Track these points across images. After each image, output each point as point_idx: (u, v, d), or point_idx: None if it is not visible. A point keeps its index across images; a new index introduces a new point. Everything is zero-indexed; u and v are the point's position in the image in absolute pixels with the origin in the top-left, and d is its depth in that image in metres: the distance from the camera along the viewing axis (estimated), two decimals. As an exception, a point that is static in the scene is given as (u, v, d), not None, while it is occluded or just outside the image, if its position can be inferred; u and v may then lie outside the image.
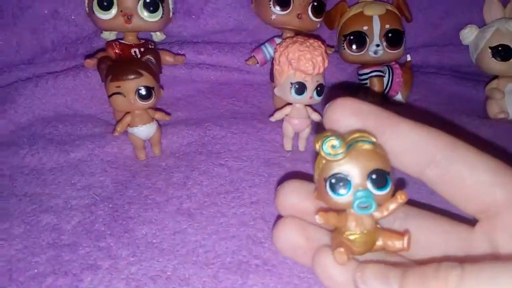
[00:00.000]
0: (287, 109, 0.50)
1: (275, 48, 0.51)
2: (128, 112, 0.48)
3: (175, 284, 0.34)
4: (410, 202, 0.25)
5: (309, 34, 0.58)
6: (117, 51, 0.55)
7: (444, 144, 0.24)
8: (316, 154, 0.24)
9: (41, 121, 0.55)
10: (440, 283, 0.20)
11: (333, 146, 0.23)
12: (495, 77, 0.68)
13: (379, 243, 0.25)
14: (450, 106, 0.65)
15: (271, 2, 0.59)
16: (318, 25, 0.62)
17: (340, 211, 0.25)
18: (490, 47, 0.67)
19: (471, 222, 0.25)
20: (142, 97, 0.46)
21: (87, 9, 0.56)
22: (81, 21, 0.62)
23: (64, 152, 0.49)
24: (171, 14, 0.58)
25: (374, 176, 0.23)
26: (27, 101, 0.55)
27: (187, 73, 0.63)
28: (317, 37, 0.53)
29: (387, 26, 0.62)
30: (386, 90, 0.64)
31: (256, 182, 0.46)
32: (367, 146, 0.23)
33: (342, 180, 0.23)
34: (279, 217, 0.29)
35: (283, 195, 0.28)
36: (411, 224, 0.26)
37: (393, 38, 0.62)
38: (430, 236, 0.26)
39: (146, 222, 0.40)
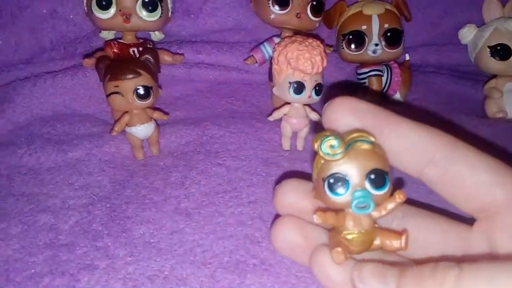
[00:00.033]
0: (285, 109, 0.50)
1: (274, 48, 0.51)
2: (126, 112, 0.48)
3: (173, 284, 0.34)
4: (409, 201, 0.25)
5: (308, 34, 0.58)
6: (115, 50, 0.55)
7: (444, 144, 0.24)
8: (315, 153, 0.24)
9: (39, 120, 0.55)
10: (437, 282, 0.20)
11: (331, 146, 0.23)
12: (494, 76, 0.68)
13: (377, 242, 0.25)
14: (448, 106, 0.65)
15: (270, 2, 0.59)
16: (317, 25, 0.62)
17: (338, 210, 0.24)
18: (488, 46, 0.67)
19: (468, 221, 0.25)
20: (140, 97, 0.46)
21: (85, 8, 0.56)
22: (80, 20, 0.62)
23: (62, 152, 0.49)
24: (170, 13, 0.58)
25: (372, 176, 0.23)
26: (25, 100, 0.55)
27: (185, 72, 0.63)
28: (316, 37, 0.52)
29: (386, 26, 0.62)
30: (385, 90, 0.64)
31: (254, 182, 0.46)
32: (365, 146, 0.23)
33: (340, 180, 0.23)
34: (277, 216, 0.29)
35: (281, 194, 0.28)
36: (409, 223, 0.26)
37: (392, 38, 0.62)
38: (428, 236, 0.26)
39: (144, 221, 0.40)
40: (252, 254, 0.37)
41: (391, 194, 0.24)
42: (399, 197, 0.24)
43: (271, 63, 0.55)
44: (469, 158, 0.24)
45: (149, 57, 0.48)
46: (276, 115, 0.51)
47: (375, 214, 0.24)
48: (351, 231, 0.24)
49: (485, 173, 0.23)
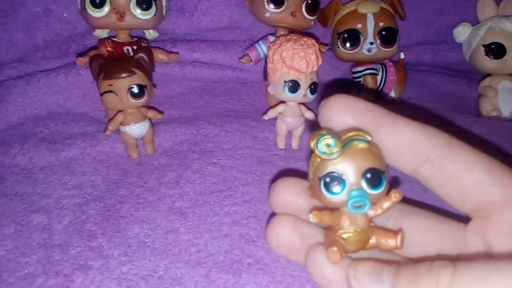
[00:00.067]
0: (280, 107, 0.50)
1: (268, 46, 0.51)
2: (120, 111, 0.48)
3: (167, 283, 0.34)
4: (404, 200, 0.25)
5: (303, 32, 0.58)
6: (109, 49, 0.55)
7: (440, 142, 0.24)
8: (311, 152, 0.24)
9: (33, 119, 0.54)
10: (432, 281, 0.20)
11: (328, 145, 0.23)
12: (488, 75, 0.68)
13: (373, 241, 0.25)
14: (443, 104, 0.65)
15: (265, 0, 0.58)
16: (312, 23, 0.62)
17: (334, 209, 0.24)
18: (483, 45, 0.67)
19: (464, 219, 0.25)
20: (135, 96, 0.46)
21: (79, 6, 0.56)
22: (74, 19, 0.61)
23: (56, 151, 0.49)
24: (164, 11, 0.58)
25: (368, 175, 0.23)
26: (18, 99, 0.55)
27: (180, 71, 0.63)
28: (311, 35, 0.52)
29: (381, 24, 0.62)
30: (380, 88, 0.64)
31: (249, 181, 0.45)
32: (362, 145, 0.23)
33: (336, 179, 0.23)
34: (272, 215, 0.28)
35: (277, 192, 0.28)
36: (405, 222, 0.26)
37: (387, 36, 0.62)
38: (424, 234, 0.26)
39: (138, 221, 0.40)
40: (247, 253, 0.37)
41: (387, 193, 0.24)
42: (395, 196, 0.24)
43: (266, 62, 0.55)
44: (465, 157, 0.24)
45: (143, 55, 0.48)
46: (271, 113, 0.50)
47: (371, 213, 0.24)
48: (347, 230, 0.24)
49: (481, 172, 0.23)
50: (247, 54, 0.63)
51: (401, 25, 0.66)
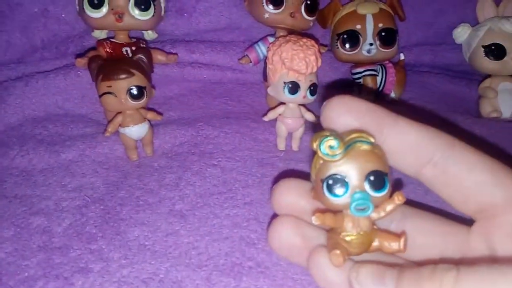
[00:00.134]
0: (280, 109, 0.50)
1: (268, 47, 0.51)
2: (119, 112, 0.47)
3: (168, 287, 0.33)
4: (407, 202, 0.25)
5: (302, 33, 0.58)
6: (108, 50, 0.55)
7: (442, 143, 0.24)
8: (313, 153, 0.24)
9: (31, 121, 0.54)
10: (435, 284, 0.20)
11: (331, 147, 0.23)
12: (488, 76, 0.68)
13: (376, 244, 0.25)
14: (443, 105, 0.65)
15: (264, 1, 0.58)
16: (311, 24, 0.62)
17: (336, 211, 0.24)
18: (483, 46, 0.67)
19: (467, 221, 0.25)
20: (134, 97, 0.46)
21: (77, 7, 0.55)
22: (72, 19, 0.61)
23: (55, 153, 0.49)
24: (163, 12, 0.58)
25: (372, 178, 0.23)
26: (17, 101, 0.55)
27: (179, 72, 0.63)
28: (310, 36, 0.52)
29: (381, 25, 0.62)
30: (380, 89, 0.64)
31: (250, 183, 0.45)
32: (365, 147, 0.23)
33: (339, 182, 0.23)
34: (273, 217, 0.28)
35: (279, 193, 0.28)
36: (408, 224, 0.26)
37: (387, 37, 0.62)
38: (427, 237, 0.26)
39: (138, 224, 0.40)
40: (248, 256, 0.36)
41: (390, 195, 0.24)
42: (398, 198, 0.24)
43: (265, 63, 0.55)
44: (468, 158, 0.24)
45: (142, 56, 0.48)
46: (271, 115, 0.50)
47: (374, 215, 0.24)
48: (350, 233, 0.24)
49: (484, 174, 0.23)
50: (247, 55, 0.63)
51: (401, 26, 0.66)
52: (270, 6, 0.58)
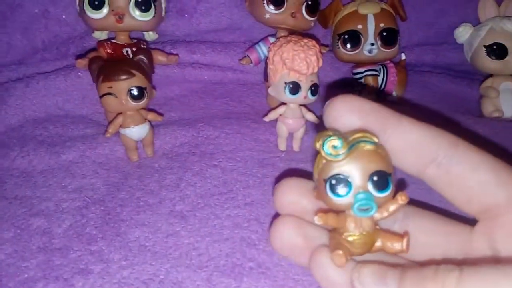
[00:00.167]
0: (281, 109, 0.50)
1: (269, 48, 0.50)
2: (120, 113, 0.47)
3: (168, 288, 0.33)
4: (410, 202, 0.25)
5: (303, 33, 0.58)
6: (108, 51, 0.55)
7: (446, 143, 0.24)
8: (315, 153, 0.24)
9: (32, 122, 0.54)
10: (438, 285, 0.20)
11: (334, 146, 0.22)
12: (490, 75, 0.68)
13: (378, 244, 0.25)
14: (444, 105, 0.65)
15: (265, 1, 0.58)
16: (312, 24, 0.62)
17: (339, 211, 0.24)
18: (484, 46, 0.67)
19: (469, 221, 0.25)
20: (134, 98, 0.45)
21: (78, 8, 0.55)
22: (72, 20, 0.61)
23: (55, 154, 0.49)
24: (163, 13, 0.58)
25: (375, 178, 0.23)
26: (17, 102, 0.55)
27: (180, 72, 0.63)
28: (311, 36, 0.52)
29: (382, 25, 0.62)
30: (381, 89, 0.64)
31: (250, 183, 0.45)
32: (369, 147, 0.23)
33: (342, 182, 0.23)
34: (274, 218, 0.28)
35: (281, 192, 0.28)
36: (411, 224, 0.26)
37: (388, 37, 0.62)
38: (430, 237, 0.26)
39: (139, 225, 0.40)
40: (249, 257, 0.36)
41: (394, 195, 0.24)
42: (401, 199, 0.24)
43: (266, 63, 0.55)
44: (471, 157, 0.23)
45: (143, 57, 0.48)
46: (271, 115, 0.50)
47: (377, 216, 0.24)
48: (352, 233, 0.24)
49: (487, 174, 0.23)
50: (247, 55, 0.62)
51: (402, 26, 0.66)
52: (271, 7, 0.58)
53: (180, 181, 0.45)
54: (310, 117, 0.50)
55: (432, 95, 0.68)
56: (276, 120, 0.50)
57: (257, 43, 0.63)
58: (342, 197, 0.23)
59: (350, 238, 0.24)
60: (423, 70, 0.75)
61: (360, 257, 0.24)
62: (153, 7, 0.54)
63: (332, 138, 0.22)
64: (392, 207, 0.24)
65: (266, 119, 0.51)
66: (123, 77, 0.45)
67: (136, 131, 0.47)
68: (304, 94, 0.47)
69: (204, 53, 0.65)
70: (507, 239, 0.23)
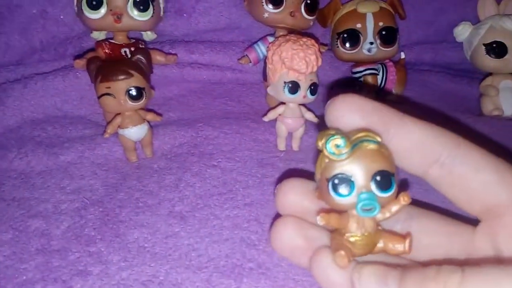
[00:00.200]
0: (280, 109, 0.49)
1: (268, 47, 0.50)
2: (118, 113, 0.47)
3: (168, 289, 0.33)
4: (412, 202, 0.25)
5: (302, 32, 0.58)
6: (107, 51, 0.54)
7: (448, 142, 0.24)
8: (317, 152, 0.24)
9: (30, 123, 0.54)
10: (439, 286, 0.19)
11: (337, 145, 0.22)
12: (489, 74, 0.67)
13: (380, 245, 0.24)
14: (444, 104, 0.65)
15: (264, 0, 0.58)
16: (311, 23, 0.61)
17: (341, 211, 0.24)
18: (484, 44, 0.67)
19: (472, 221, 0.25)
20: (133, 98, 0.45)
21: (76, 8, 0.55)
22: (71, 20, 0.61)
23: (53, 155, 0.48)
24: (161, 13, 0.58)
25: (378, 178, 0.22)
26: (15, 102, 0.54)
27: (178, 72, 0.62)
28: (310, 35, 0.52)
29: (381, 24, 0.62)
30: (380, 88, 0.63)
31: (250, 183, 0.45)
32: (372, 146, 0.23)
33: (345, 181, 0.22)
34: (274, 218, 0.28)
35: (283, 193, 0.27)
36: (413, 224, 0.26)
37: (387, 36, 0.62)
38: (431, 237, 0.26)
39: (138, 226, 0.39)
40: (249, 257, 0.36)
41: (396, 196, 0.23)
42: (404, 199, 0.23)
43: (265, 63, 0.55)
44: (474, 158, 0.23)
45: (141, 57, 0.48)
46: (271, 115, 0.50)
47: (379, 216, 0.24)
48: (354, 234, 0.24)
49: (490, 174, 0.23)
50: (246, 55, 0.62)
51: (401, 24, 0.66)
52: (270, 6, 0.58)
53: (179, 181, 0.45)
54: (310, 116, 0.50)
55: (432, 93, 0.68)
56: (275, 120, 0.50)
57: (256, 42, 0.63)
58: (345, 197, 0.23)
59: (352, 239, 0.24)
60: (422, 69, 0.75)
61: (361, 257, 0.24)
62: (151, 6, 0.54)
63: (335, 137, 0.22)
64: (394, 208, 0.24)
65: (265, 118, 0.50)
66: (121, 77, 0.44)
67: (135, 132, 0.47)
68: (303, 93, 0.47)
69: (202, 53, 0.64)
70: (509, 239, 0.22)
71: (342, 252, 0.23)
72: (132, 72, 0.45)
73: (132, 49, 0.55)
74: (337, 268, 0.23)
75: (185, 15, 0.66)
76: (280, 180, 0.45)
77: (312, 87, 0.47)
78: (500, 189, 0.23)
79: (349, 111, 0.24)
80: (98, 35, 0.56)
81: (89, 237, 0.38)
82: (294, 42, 0.47)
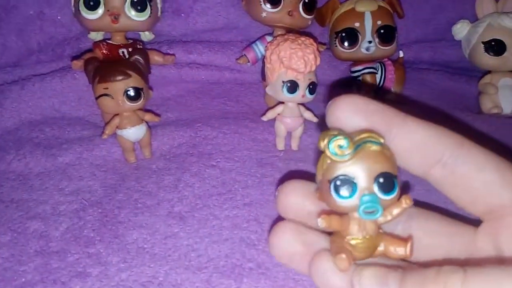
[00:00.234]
0: (279, 108, 0.49)
1: (266, 47, 0.50)
2: (116, 114, 0.47)
3: (167, 290, 0.33)
4: (413, 203, 0.24)
5: (300, 32, 0.57)
6: (104, 51, 0.54)
7: (451, 142, 0.23)
8: (319, 152, 0.23)
9: (28, 124, 0.54)
10: (439, 287, 0.19)
11: (340, 146, 0.22)
12: (488, 72, 0.67)
13: (381, 248, 0.24)
14: (443, 102, 0.65)
15: (262, 0, 0.58)
16: (310, 22, 0.61)
17: (342, 214, 0.24)
18: (482, 42, 0.66)
19: (473, 222, 0.25)
20: (131, 98, 0.45)
21: (73, 9, 0.55)
22: (68, 21, 0.61)
23: (52, 157, 0.48)
24: (159, 13, 0.58)
25: (381, 180, 0.22)
26: (13, 104, 0.54)
27: (176, 73, 0.62)
28: (308, 35, 0.52)
29: (379, 22, 0.61)
30: (379, 87, 0.63)
31: (249, 183, 0.45)
32: (375, 148, 0.22)
33: (347, 183, 0.22)
34: (273, 218, 0.28)
35: (284, 195, 0.27)
36: (414, 225, 0.26)
37: (385, 35, 0.62)
38: (433, 238, 0.25)
39: (137, 226, 0.39)
40: (248, 257, 0.36)
41: (398, 198, 0.23)
42: (406, 202, 0.23)
43: (263, 62, 0.54)
44: (476, 157, 0.23)
45: (139, 57, 0.47)
46: (269, 115, 0.50)
47: (381, 219, 0.23)
48: (355, 236, 0.23)
49: (493, 174, 0.23)
50: (244, 54, 0.62)
51: (400, 23, 0.66)
52: (268, 5, 0.58)
53: (178, 182, 0.45)
54: (309, 115, 0.49)
55: (431, 92, 0.68)
56: (274, 119, 0.50)
57: (254, 42, 0.62)
58: (347, 198, 0.22)
59: (353, 242, 0.23)
60: (421, 68, 0.75)
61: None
62: (148, 7, 0.54)
63: (338, 137, 0.22)
64: (396, 211, 0.23)
65: (264, 118, 0.50)
66: (119, 77, 0.44)
67: (133, 132, 0.47)
68: (302, 92, 0.47)
69: (201, 53, 0.64)
70: (511, 240, 0.22)
71: (343, 255, 0.22)
72: (130, 72, 0.45)
73: (130, 49, 0.55)
74: (337, 271, 0.23)
75: (182, 15, 0.66)
76: (279, 180, 0.45)
77: (310, 86, 0.47)
78: (502, 189, 0.22)
79: (350, 112, 0.24)
80: (96, 36, 0.56)
81: (88, 238, 0.38)
82: (293, 42, 0.47)
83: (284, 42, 0.47)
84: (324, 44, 0.66)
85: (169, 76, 0.62)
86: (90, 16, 0.53)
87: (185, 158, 0.49)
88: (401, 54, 0.67)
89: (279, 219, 0.27)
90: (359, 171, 0.22)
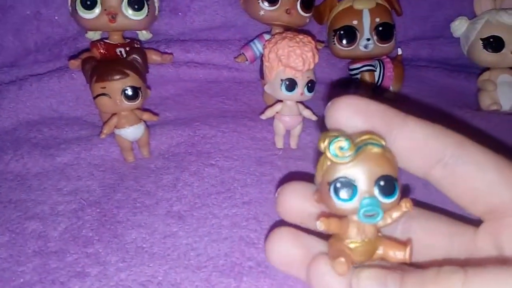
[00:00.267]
0: (278, 106, 0.49)
1: (264, 45, 0.50)
2: (114, 114, 0.47)
3: (167, 289, 0.33)
4: (413, 203, 0.24)
5: (298, 30, 0.57)
6: (102, 51, 0.54)
7: (451, 142, 0.23)
8: (319, 153, 0.23)
9: (26, 125, 0.53)
10: (439, 287, 0.19)
11: (341, 148, 0.21)
12: (487, 68, 0.67)
13: (380, 252, 0.24)
14: (442, 99, 0.65)
15: (260, -2, 0.58)
16: (308, 20, 0.61)
17: (341, 216, 0.23)
18: (481, 39, 0.66)
19: (473, 222, 0.24)
20: (129, 98, 0.45)
21: (70, 9, 0.55)
22: (65, 21, 0.60)
23: (50, 157, 0.48)
24: (156, 12, 0.57)
25: (382, 183, 0.22)
26: (11, 104, 0.54)
27: (174, 72, 0.62)
28: (306, 33, 0.52)
29: (377, 20, 0.61)
30: (378, 85, 0.63)
31: (248, 182, 0.45)
32: (376, 150, 0.22)
33: (347, 185, 0.22)
34: (273, 217, 0.28)
35: (284, 196, 0.27)
36: (414, 225, 0.26)
37: (384, 32, 0.62)
38: (433, 238, 0.25)
39: (136, 226, 0.39)
40: (248, 256, 0.36)
41: (398, 201, 0.23)
42: (406, 205, 0.23)
43: (262, 61, 0.54)
44: (477, 157, 0.23)
45: (137, 57, 0.47)
46: (268, 113, 0.50)
47: (380, 222, 0.23)
48: (354, 240, 0.23)
49: (493, 174, 0.22)
50: (243, 53, 0.62)
51: (398, 20, 0.66)
52: (266, 3, 0.58)
53: (177, 181, 0.45)
54: (307, 114, 0.49)
55: (429, 89, 0.68)
56: (273, 118, 0.50)
57: (252, 40, 0.62)
58: (347, 201, 0.22)
59: (351, 245, 0.23)
60: (419, 65, 0.75)
61: None
62: (146, 6, 0.54)
63: (339, 139, 0.21)
64: (395, 214, 0.23)
65: (263, 116, 0.50)
66: (117, 77, 0.44)
67: (131, 132, 0.47)
68: (301, 90, 0.47)
69: (198, 52, 0.64)
70: None
71: (342, 259, 0.22)
72: (128, 71, 0.45)
73: (128, 48, 0.55)
74: (336, 275, 0.23)
75: (180, 14, 0.65)
76: (279, 179, 0.45)
77: (309, 84, 0.47)
78: (503, 189, 0.22)
79: (350, 113, 0.23)
80: (93, 35, 0.56)
81: (86, 238, 0.38)
82: (291, 40, 0.46)
83: (282, 40, 0.47)
84: (322, 42, 0.65)
85: (167, 75, 0.62)
86: (87, 15, 0.52)
87: (184, 157, 0.49)
88: (399, 51, 0.67)
89: (279, 218, 0.27)
90: (360, 174, 0.22)
